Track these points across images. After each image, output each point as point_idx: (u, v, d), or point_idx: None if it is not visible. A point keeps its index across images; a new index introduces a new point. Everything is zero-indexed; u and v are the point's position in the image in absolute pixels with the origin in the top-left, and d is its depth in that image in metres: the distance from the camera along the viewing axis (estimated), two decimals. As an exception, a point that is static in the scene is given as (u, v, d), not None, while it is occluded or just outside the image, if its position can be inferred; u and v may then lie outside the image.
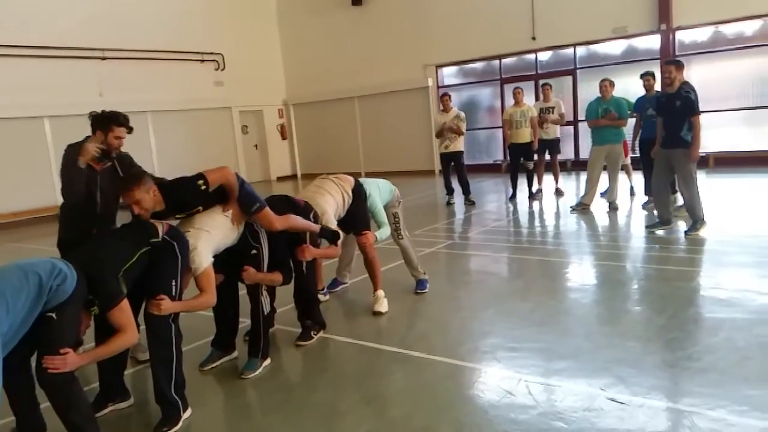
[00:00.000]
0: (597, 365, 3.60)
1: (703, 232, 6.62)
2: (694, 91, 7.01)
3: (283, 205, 4.23)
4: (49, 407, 2.86)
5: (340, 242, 4.63)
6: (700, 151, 7.07)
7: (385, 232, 5.07)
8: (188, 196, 3.55)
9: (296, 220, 4.14)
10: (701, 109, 7.32)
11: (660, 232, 6.84)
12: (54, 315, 2.73)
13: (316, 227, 4.33)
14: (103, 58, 14.44)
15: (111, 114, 3.96)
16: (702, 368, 3.44)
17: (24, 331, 2.68)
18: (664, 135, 6.76)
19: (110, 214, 4.16)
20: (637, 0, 12.77)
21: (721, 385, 3.21)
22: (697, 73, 12.29)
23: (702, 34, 12.59)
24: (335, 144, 18.05)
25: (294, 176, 19.26)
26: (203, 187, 3.51)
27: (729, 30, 12.28)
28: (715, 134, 11.71)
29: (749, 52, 12.10)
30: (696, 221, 6.64)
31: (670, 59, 6.90)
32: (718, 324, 4.11)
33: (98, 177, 4.00)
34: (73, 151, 3.93)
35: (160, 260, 3.27)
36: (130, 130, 4.03)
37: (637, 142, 8.49)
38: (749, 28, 12.08)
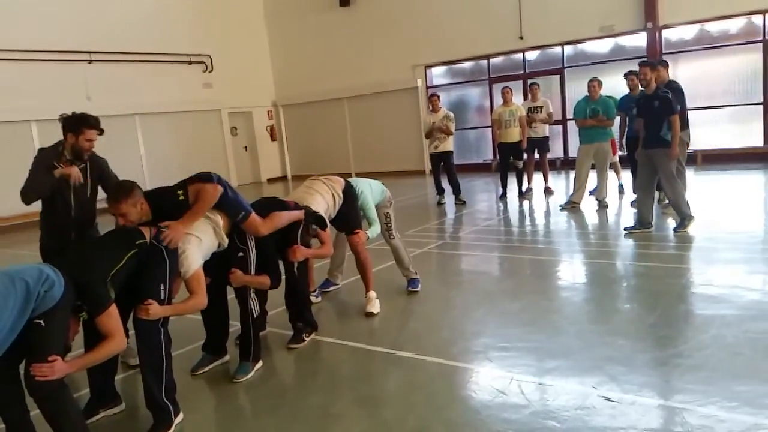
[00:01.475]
0: (588, 363, 3.61)
1: (691, 229, 6.66)
2: (679, 89, 7.09)
3: (273, 207, 4.22)
4: (39, 414, 2.83)
5: (327, 230, 4.60)
6: (689, 148, 7.15)
7: (375, 229, 5.08)
8: (167, 205, 3.49)
9: (281, 218, 4.12)
10: (688, 106, 7.41)
11: (649, 230, 6.87)
12: (42, 322, 2.70)
13: (301, 214, 4.31)
14: (90, 61, 14.33)
15: (81, 116, 3.95)
16: (692, 365, 3.47)
17: (12, 339, 2.65)
18: (644, 136, 6.81)
19: (87, 217, 4.14)
20: (623, -1, 12.87)
21: (712, 382, 3.23)
22: (683, 71, 12.42)
23: (688, 32, 12.69)
24: (325, 145, 18.03)
25: (284, 177, 19.22)
26: (181, 198, 3.46)
27: (714, 28, 12.38)
28: (703, 131, 11.79)
29: (735, 49, 12.22)
30: (683, 218, 6.68)
31: (645, 61, 6.95)
32: (708, 321, 4.14)
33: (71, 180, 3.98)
34: (44, 155, 3.93)
35: (148, 265, 3.25)
36: (101, 132, 4.02)
37: (624, 141, 8.55)
38: (734, 25, 12.19)
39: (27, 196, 3.91)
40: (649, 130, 6.71)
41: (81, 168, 4.03)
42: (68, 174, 3.88)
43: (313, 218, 4.41)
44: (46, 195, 3.94)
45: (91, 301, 2.93)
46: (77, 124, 3.92)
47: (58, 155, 3.96)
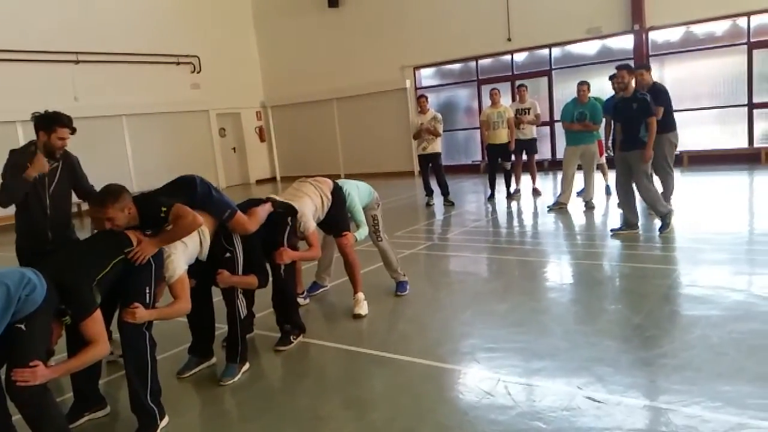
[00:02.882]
0: (575, 364, 3.63)
1: (677, 229, 6.70)
2: (663, 90, 7.15)
3: (250, 204, 4.21)
4: (21, 418, 2.80)
5: (315, 232, 4.59)
6: (676, 150, 7.22)
7: (363, 231, 5.07)
8: (150, 213, 3.44)
9: (260, 212, 4.11)
10: (675, 107, 7.47)
11: (638, 231, 6.91)
12: (23, 326, 2.67)
13: (269, 206, 4.26)
14: (77, 62, 14.22)
15: (53, 115, 3.93)
16: (677, 365, 3.49)
17: (-7, 343, 2.63)
18: (622, 138, 6.84)
19: (63, 217, 4.12)
20: (610, 1, 12.95)
21: (697, 382, 3.26)
22: (670, 73, 12.54)
23: (674, 34, 12.80)
24: (314, 146, 17.99)
25: (273, 179, 19.16)
26: (163, 215, 3.40)
27: (700, 30, 12.51)
28: (689, 133, 11.90)
29: (720, 51, 12.35)
30: (663, 217, 6.71)
31: (622, 64, 7.00)
32: (693, 321, 4.17)
33: (45, 178, 3.96)
34: (16, 157, 3.90)
35: (133, 269, 3.22)
36: (73, 131, 4.00)
37: (610, 142, 8.60)
38: (719, 28, 12.31)
39: (2, 200, 3.87)
40: (627, 133, 6.75)
41: (54, 167, 4.00)
42: (40, 165, 3.81)
43: (281, 207, 4.40)
44: (20, 198, 3.90)
45: (76, 306, 2.91)
46: (49, 122, 3.90)
47: (30, 155, 3.93)
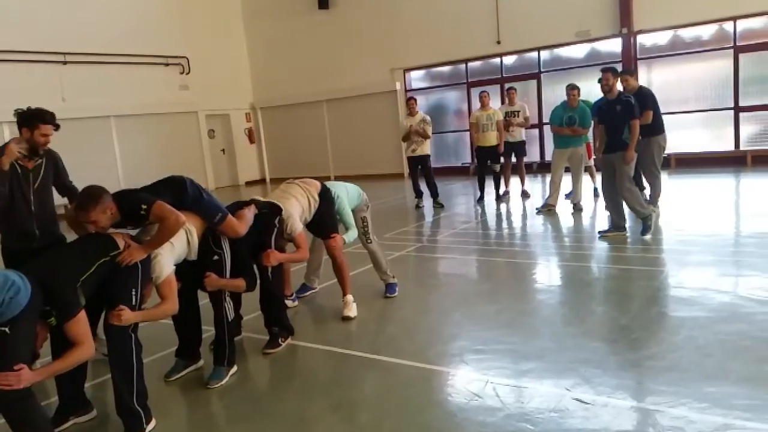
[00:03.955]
0: (563, 366, 3.64)
1: (664, 231, 6.74)
2: (650, 93, 7.19)
3: (237, 207, 4.19)
4: (5, 423, 2.77)
5: (303, 234, 4.57)
6: (664, 152, 7.26)
7: (352, 234, 5.06)
8: (129, 210, 3.41)
9: (248, 214, 4.10)
10: (662, 110, 7.53)
11: (627, 234, 6.95)
12: (7, 329, 2.64)
13: (254, 207, 4.24)
14: (65, 62, 14.12)
15: (36, 111, 3.90)
16: (664, 367, 3.51)
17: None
18: (606, 141, 6.88)
19: (48, 213, 4.09)
20: (599, 4, 13.04)
21: (683, 383, 3.28)
22: (657, 76, 12.64)
23: (662, 38, 12.92)
24: (304, 148, 17.96)
25: (263, 180, 19.11)
26: (143, 213, 3.37)
27: (687, 34, 12.62)
28: (676, 136, 11.98)
29: (707, 55, 12.48)
30: (644, 219, 6.73)
31: (607, 67, 7.05)
32: (680, 323, 4.20)
33: (30, 174, 3.94)
34: None
35: (119, 270, 3.20)
36: (56, 127, 3.97)
37: (598, 144, 8.64)
38: (706, 32, 12.43)
39: None
40: (611, 135, 6.79)
41: (38, 164, 3.98)
42: (11, 152, 3.77)
43: (265, 207, 4.39)
44: (6, 194, 3.86)
45: (60, 307, 2.88)
46: (32, 119, 3.87)
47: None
